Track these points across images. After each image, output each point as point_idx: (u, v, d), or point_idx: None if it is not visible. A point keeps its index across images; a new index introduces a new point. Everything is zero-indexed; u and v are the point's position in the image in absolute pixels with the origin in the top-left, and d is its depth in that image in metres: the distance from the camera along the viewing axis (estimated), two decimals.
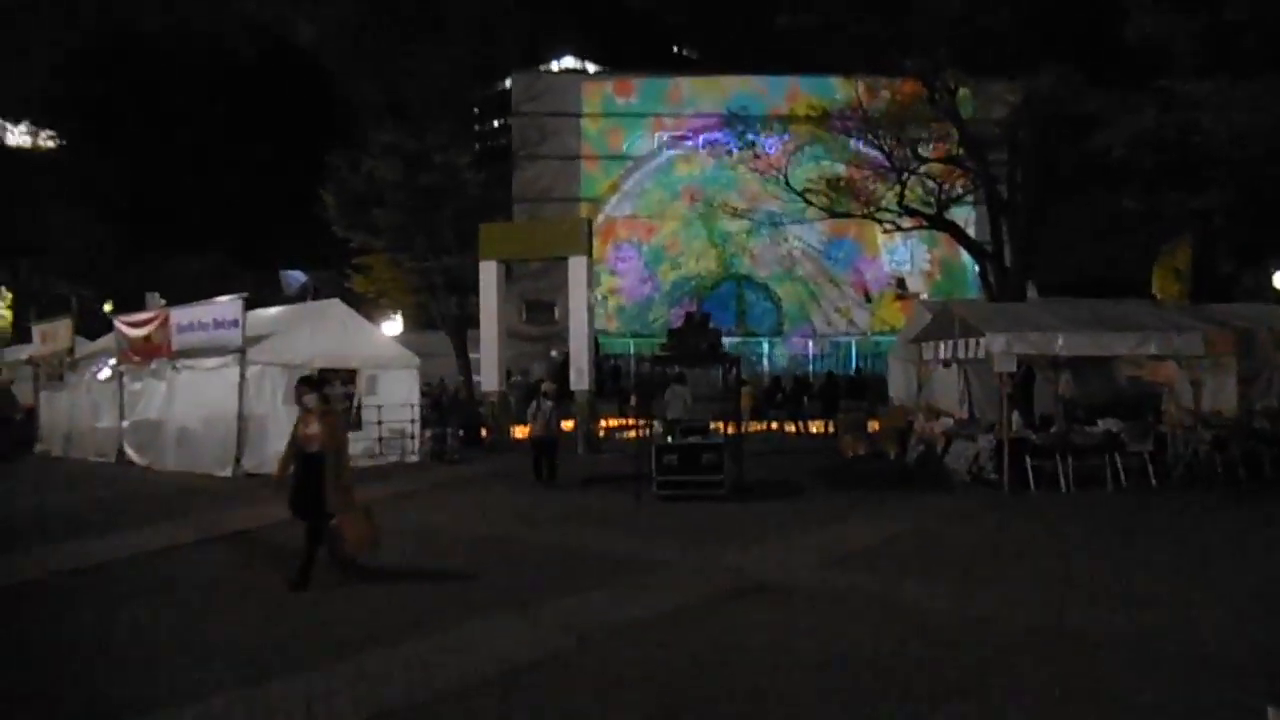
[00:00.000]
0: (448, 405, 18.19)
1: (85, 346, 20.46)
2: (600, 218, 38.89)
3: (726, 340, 38.01)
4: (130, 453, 17.56)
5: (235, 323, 15.49)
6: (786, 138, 24.84)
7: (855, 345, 38.01)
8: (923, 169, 17.55)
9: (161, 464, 16.72)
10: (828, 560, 8.02)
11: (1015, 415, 14.09)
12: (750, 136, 22.59)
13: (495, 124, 26.36)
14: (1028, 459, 11.98)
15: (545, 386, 14.87)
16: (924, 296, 33.94)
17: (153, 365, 17.32)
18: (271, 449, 15.92)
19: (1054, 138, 14.98)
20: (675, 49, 50.94)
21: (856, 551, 8.38)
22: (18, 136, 44.51)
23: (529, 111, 34.95)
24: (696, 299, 39.39)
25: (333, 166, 21.03)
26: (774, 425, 23.22)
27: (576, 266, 18.78)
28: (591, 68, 42.69)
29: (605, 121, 39.11)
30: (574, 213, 38.49)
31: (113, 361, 18.69)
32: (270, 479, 7.77)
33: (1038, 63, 13.22)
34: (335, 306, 17.50)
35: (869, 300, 38.80)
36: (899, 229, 19.82)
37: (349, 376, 16.90)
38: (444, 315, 22.23)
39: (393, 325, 33.59)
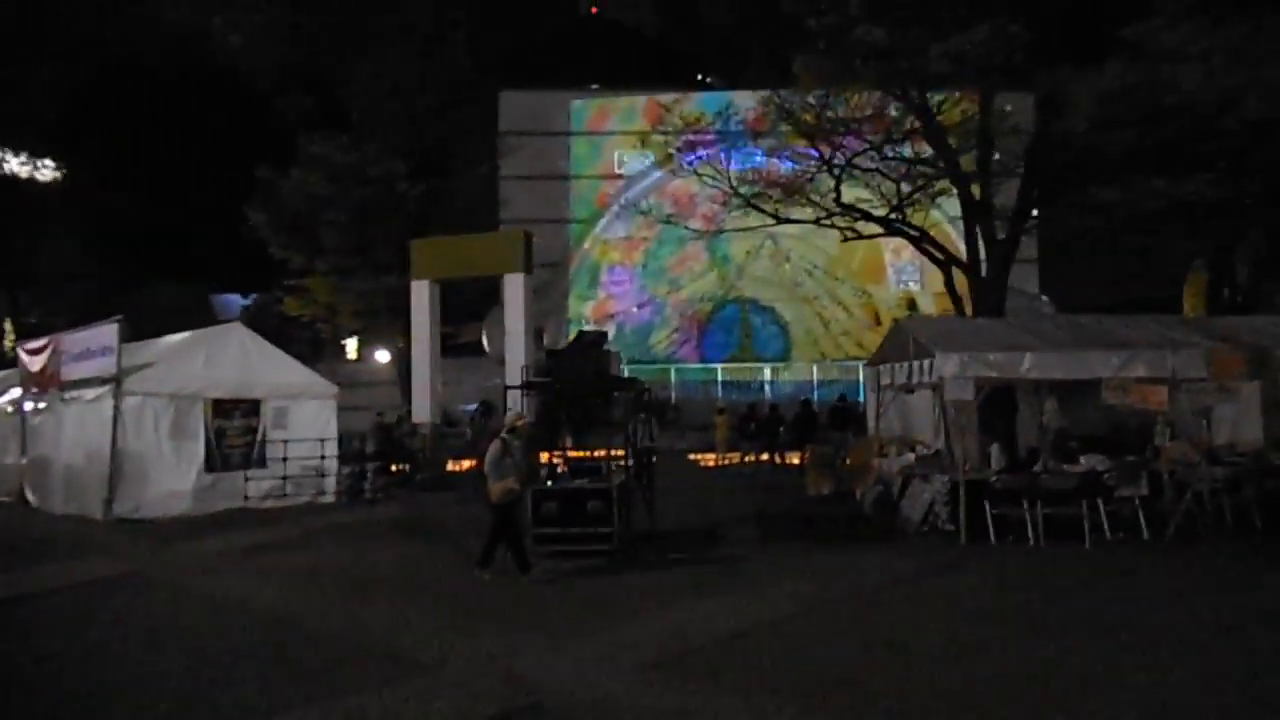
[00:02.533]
0: (369, 438, 16.47)
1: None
2: (590, 239, 37.47)
3: (728, 365, 36.91)
4: (28, 492, 16.12)
5: (110, 349, 13.92)
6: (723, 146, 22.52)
7: (863, 371, 35.77)
8: (865, 163, 15.37)
9: (50, 505, 15.23)
10: (663, 658, 5.99)
11: (995, 450, 11.97)
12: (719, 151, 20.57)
13: (442, 139, 24.81)
14: (987, 505, 9.83)
15: (510, 419, 9.58)
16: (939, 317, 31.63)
17: (46, 397, 15.93)
18: (152, 491, 14.36)
19: (1040, 125, 12.77)
20: (700, 77, 48.91)
21: (713, 643, 6.33)
22: (15, 166, 44.30)
23: (511, 130, 33.57)
24: (698, 323, 37.76)
25: (261, 181, 19.55)
26: (749, 457, 21.31)
27: (513, 285, 17.06)
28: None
29: (594, 140, 37.61)
30: (564, 234, 37.21)
31: (14, 392, 17.38)
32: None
33: (970, 19, 10.95)
34: (236, 331, 15.89)
35: (879, 323, 36.60)
36: (860, 236, 17.72)
37: (251, 408, 15.29)
38: (387, 340, 20.60)
39: (383, 354, 32.06)
